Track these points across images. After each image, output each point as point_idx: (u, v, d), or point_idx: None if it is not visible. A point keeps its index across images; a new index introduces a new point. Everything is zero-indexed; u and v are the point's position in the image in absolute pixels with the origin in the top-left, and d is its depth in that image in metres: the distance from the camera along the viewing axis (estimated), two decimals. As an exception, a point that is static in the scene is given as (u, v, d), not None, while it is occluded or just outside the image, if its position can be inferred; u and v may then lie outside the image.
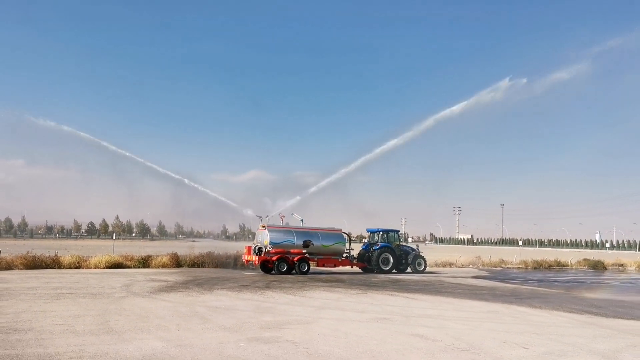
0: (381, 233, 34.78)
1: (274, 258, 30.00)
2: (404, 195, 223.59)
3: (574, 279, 33.05)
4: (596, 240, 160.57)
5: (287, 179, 54.20)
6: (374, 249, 33.70)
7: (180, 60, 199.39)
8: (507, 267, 45.48)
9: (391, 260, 33.45)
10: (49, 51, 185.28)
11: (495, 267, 45.31)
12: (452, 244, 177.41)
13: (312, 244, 31.10)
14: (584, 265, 48.78)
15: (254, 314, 14.44)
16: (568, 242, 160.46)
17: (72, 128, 38.83)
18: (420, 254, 35.12)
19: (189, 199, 42.88)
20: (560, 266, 47.66)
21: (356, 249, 35.41)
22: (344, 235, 33.38)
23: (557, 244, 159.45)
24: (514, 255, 51.82)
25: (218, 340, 10.63)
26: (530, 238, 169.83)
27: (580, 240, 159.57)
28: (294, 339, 10.87)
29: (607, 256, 60.87)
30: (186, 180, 40.95)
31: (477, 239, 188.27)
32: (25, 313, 13.68)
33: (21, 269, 28.92)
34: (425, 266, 34.89)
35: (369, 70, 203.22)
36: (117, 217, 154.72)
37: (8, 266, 29.04)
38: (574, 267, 48.57)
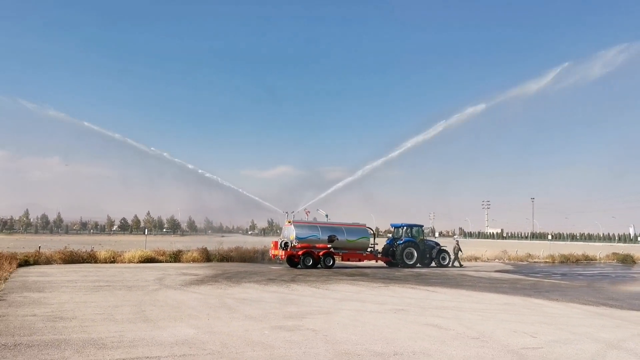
0: (405, 228, 35.40)
1: (300, 253, 30.89)
2: (432, 190, 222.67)
3: (600, 273, 33.21)
4: (629, 234, 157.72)
5: (314, 175, 54.93)
6: (398, 244, 34.34)
7: (203, 57, 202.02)
8: (534, 262, 45.55)
9: (415, 254, 34.05)
10: (67, 46, 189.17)
11: (522, 261, 45.43)
12: (481, 238, 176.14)
13: (337, 239, 31.90)
14: (613, 259, 48.65)
15: (279, 305, 15.29)
16: (601, 236, 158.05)
17: (99, 127, 40.52)
18: (444, 248, 35.62)
19: (219, 196, 44.26)
20: (588, 260, 47.63)
21: (382, 244, 36.14)
22: (369, 230, 34.10)
23: (589, 237, 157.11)
24: (542, 250, 51.82)
25: (244, 328, 11.49)
26: (561, 232, 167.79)
27: (613, 234, 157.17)
28: (314, 328, 11.68)
29: (640, 250, 60.13)
30: (219, 179, 42.30)
31: (507, 233, 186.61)
32: (68, 303, 14.77)
33: (60, 263, 30.35)
34: (449, 260, 35.38)
35: (398, 62, 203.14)
36: (148, 213, 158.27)
37: (48, 261, 30.51)
38: (602, 261, 48.47)
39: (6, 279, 21.02)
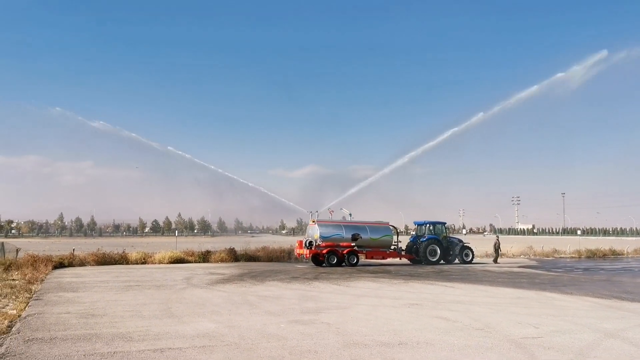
0: (428, 225, 35.82)
1: (324, 251, 31.55)
2: (462, 186, 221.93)
3: (623, 267, 33.16)
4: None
5: (341, 174, 55.71)
6: (421, 241, 34.78)
7: (232, 58, 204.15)
8: (560, 257, 45.46)
9: (438, 251, 34.44)
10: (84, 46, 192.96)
11: (548, 257, 45.39)
12: (511, 234, 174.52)
13: (361, 237, 32.48)
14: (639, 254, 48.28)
15: (298, 302, 15.98)
16: (634, 230, 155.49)
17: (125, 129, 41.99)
18: (467, 244, 35.90)
19: (247, 197, 45.34)
20: (615, 255, 47.36)
21: (406, 241, 36.64)
22: (392, 228, 34.60)
23: (622, 232, 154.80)
24: (568, 245, 51.56)
25: (262, 322, 12.21)
26: (593, 227, 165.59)
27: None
28: (329, 321, 12.34)
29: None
30: (250, 184, 43.35)
31: (538, 229, 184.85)
32: (99, 302, 15.69)
33: (93, 265, 31.49)
34: (473, 257, 35.66)
35: (429, 60, 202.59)
36: (179, 215, 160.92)
37: (82, 263, 31.68)
38: (629, 255, 48.11)
39: (42, 280, 22.16)
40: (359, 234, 32.49)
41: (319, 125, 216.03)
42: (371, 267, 30.91)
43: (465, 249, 35.50)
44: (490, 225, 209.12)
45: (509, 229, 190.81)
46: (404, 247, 35.16)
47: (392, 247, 34.00)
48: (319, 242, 31.79)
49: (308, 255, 31.97)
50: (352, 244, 32.17)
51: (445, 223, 36.94)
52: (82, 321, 12.34)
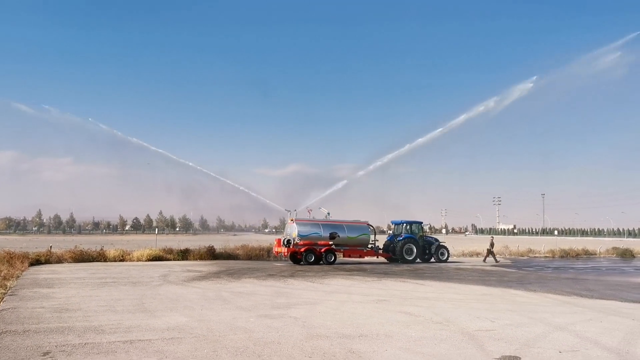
0: (405, 224, 36.46)
1: (302, 249, 32.03)
2: (444, 186, 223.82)
3: (592, 267, 34.08)
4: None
5: (326, 173, 56.11)
6: (398, 240, 35.39)
7: (211, 54, 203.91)
8: (534, 257, 46.36)
9: (414, 250, 35.06)
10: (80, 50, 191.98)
11: (522, 256, 46.32)
12: (492, 234, 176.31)
13: (338, 236, 33.00)
14: (613, 254, 49.31)
15: (270, 298, 16.42)
16: (612, 231, 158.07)
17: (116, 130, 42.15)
18: (443, 244, 36.57)
19: (228, 195, 45.70)
20: (588, 254, 48.34)
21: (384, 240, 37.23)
22: (369, 227, 35.15)
23: (600, 233, 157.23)
24: (543, 245, 52.53)
25: (232, 317, 12.65)
26: (572, 228, 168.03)
27: (624, 229, 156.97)
28: (296, 316, 12.81)
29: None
30: (229, 181, 43.72)
31: (518, 230, 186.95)
32: (74, 297, 16.01)
33: (70, 262, 31.68)
34: (448, 256, 36.35)
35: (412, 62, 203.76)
36: (160, 213, 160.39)
37: (59, 260, 31.85)
38: (602, 255, 49.14)
39: (18, 276, 22.37)
40: (336, 233, 32.99)
41: (304, 123, 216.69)
42: (348, 265, 31.44)
43: (441, 248, 36.17)
44: (473, 225, 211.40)
45: (490, 229, 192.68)
46: (381, 246, 35.72)
47: (370, 245, 34.58)
48: (297, 240, 32.24)
49: (286, 254, 32.44)
50: (330, 243, 32.65)
51: (422, 222, 37.56)
52: (56, 315, 12.69)
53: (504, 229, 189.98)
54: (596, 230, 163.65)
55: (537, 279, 23.69)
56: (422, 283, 21.40)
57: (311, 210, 35.42)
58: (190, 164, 43.85)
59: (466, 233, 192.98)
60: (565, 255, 46.53)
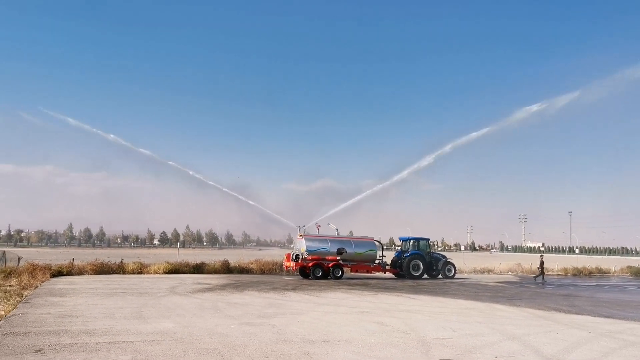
0: (412, 241, 37.32)
1: (310, 264, 33.13)
2: (471, 203, 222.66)
3: (596, 284, 34.47)
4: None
5: (354, 188, 57.10)
6: (405, 256, 36.25)
7: (247, 73, 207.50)
8: (547, 274, 46.53)
9: (421, 266, 35.86)
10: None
11: (534, 274, 46.44)
12: (519, 252, 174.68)
13: (346, 251, 34.02)
14: (627, 272, 49.15)
15: (262, 308, 17.57)
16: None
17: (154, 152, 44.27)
18: (450, 260, 37.28)
19: (251, 213, 47.28)
20: (601, 273, 48.30)
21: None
22: (376, 243, 36.13)
23: (628, 252, 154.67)
24: (557, 263, 52.65)
25: (216, 324, 13.84)
26: (599, 246, 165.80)
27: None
28: (275, 324, 13.93)
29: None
30: (251, 202, 45.28)
31: (546, 248, 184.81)
32: (80, 305, 17.39)
33: (91, 274, 33.24)
34: (455, 272, 37.02)
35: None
36: (187, 227, 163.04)
37: (80, 272, 33.46)
38: (615, 274, 49.01)
39: (37, 286, 23.95)
40: (344, 248, 34.02)
41: (332, 138, 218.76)
42: (353, 281, 32.41)
43: (447, 265, 36.88)
44: (500, 242, 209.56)
45: (516, 246, 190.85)
46: (389, 262, 36.60)
47: (377, 261, 35.48)
48: (305, 255, 33.36)
49: (295, 268, 33.55)
50: (338, 258, 33.68)
51: (429, 239, 38.36)
52: (58, 320, 14.04)
53: (531, 247, 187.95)
54: (626, 249, 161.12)
55: (531, 296, 24.36)
56: (414, 297, 22.31)
57: (320, 225, 36.56)
58: (228, 190, 45.68)
59: (492, 250, 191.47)
60: (578, 273, 46.63)
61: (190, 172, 46.74)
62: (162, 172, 47.48)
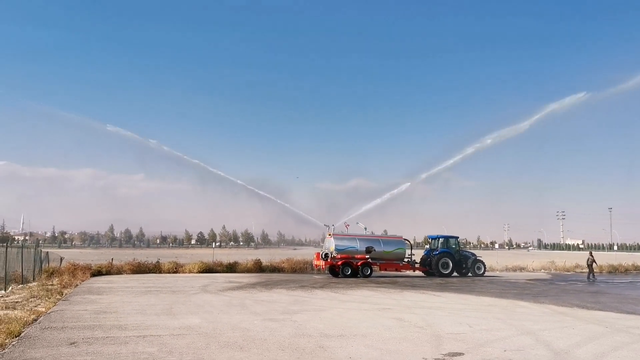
0: (441, 239, 37.49)
1: (339, 263, 33.65)
2: (508, 201, 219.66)
3: (630, 281, 34.11)
4: None
5: (388, 187, 57.41)
6: (434, 254, 36.46)
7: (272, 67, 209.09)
8: (581, 272, 46.01)
9: (450, 264, 36.01)
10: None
11: (568, 271, 46.23)
12: (557, 249, 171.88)
13: (374, 250, 34.43)
14: (665, 269, 48.32)
15: (287, 305, 18.16)
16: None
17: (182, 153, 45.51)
18: (479, 258, 37.32)
19: (282, 213, 48.05)
20: (638, 270, 47.57)
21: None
22: (405, 241, 36.43)
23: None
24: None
25: (241, 320, 14.48)
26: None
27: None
28: (297, 320, 14.51)
29: None
30: (288, 205, 46.04)
31: (586, 245, 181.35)
32: (115, 303, 18.28)
33: (129, 273, 34.47)
34: (485, 270, 37.04)
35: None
36: (223, 227, 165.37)
37: (118, 271, 34.72)
38: (653, 271, 48.22)
39: (77, 285, 25.08)
40: (372, 247, 34.44)
41: (366, 137, 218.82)
42: (382, 279, 32.79)
43: (477, 262, 36.94)
44: (539, 240, 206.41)
45: (553, 244, 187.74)
46: (418, 260, 36.86)
47: (406, 259, 35.79)
48: (334, 254, 33.90)
49: (324, 267, 34.10)
50: (366, 256, 34.11)
51: (458, 237, 38.47)
52: (93, 316, 14.90)
53: (571, 245, 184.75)
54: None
55: (557, 293, 24.37)
56: (439, 295, 22.61)
57: (348, 225, 37.01)
58: (260, 191, 46.56)
59: (529, 248, 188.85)
60: (614, 270, 46.05)
61: (232, 178, 47.79)
62: (206, 178, 48.59)
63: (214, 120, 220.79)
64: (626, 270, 46.35)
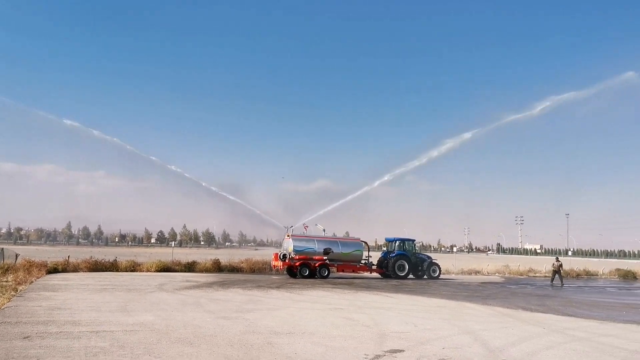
0: (398, 242, 38.29)
1: (297, 264, 34.09)
2: (469, 205, 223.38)
3: (578, 286, 35.49)
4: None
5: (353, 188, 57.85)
6: (391, 256, 37.22)
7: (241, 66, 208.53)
8: (534, 276, 47.57)
9: (407, 266, 36.82)
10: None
11: (521, 275, 47.60)
12: (515, 254, 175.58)
13: (332, 251, 34.98)
14: (615, 275, 50.07)
15: (241, 304, 18.52)
16: (637, 253, 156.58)
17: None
18: (435, 261, 38.26)
19: (242, 213, 48.18)
20: (588, 275, 49.28)
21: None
22: (362, 243, 37.11)
23: (624, 255, 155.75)
24: (545, 265, 53.51)
25: (194, 317, 14.80)
26: (597, 249, 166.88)
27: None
28: (249, 318, 14.91)
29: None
30: (247, 205, 46.15)
31: (544, 250, 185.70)
32: (70, 300, 18.36)
33: (85, 271, 34.18)
34: (440, 273, 37.99)
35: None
36: (184, 227, 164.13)
37: (75, 269, 34.42)
38: (603, 276, 49.97)
39: (32, 282, 24.91)
40: (330, 248, 34.98)
41: (330, 139, 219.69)
42: (339, 280, 33.36)
43: (432, 265, 37.85)
44: (498, 244, 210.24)
45: (512, 248, 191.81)
46: (375, 262, 37.56)
47: (363, 261, 36.45)
48: (292, 255, 34.32)
49: (282, 267, 34.50)
50: (324, 258, 34.64)
51: (414, 240, 39.35)
52: (47, 312, 15.02)
53: (529, 249, 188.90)
54: (624, 252, 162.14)
55: (506, 295, 25.32)
56: (392, 296, 23.26)
57: (307, 226, 37.50)
58: (214, 188, 46.50)
59: (488, 252, 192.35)
60: (566, 275, 47.43)
61: (189, 176, 47.69)
62: (165, 174, 48.31)
63: (175, 117, 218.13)
64: (577, 275, 47.93)
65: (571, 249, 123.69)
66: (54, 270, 32.55)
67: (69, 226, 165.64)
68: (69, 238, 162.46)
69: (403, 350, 10.71)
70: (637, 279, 48.24)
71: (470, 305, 20.33)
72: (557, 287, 33.08)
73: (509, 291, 28.31)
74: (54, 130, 49.70)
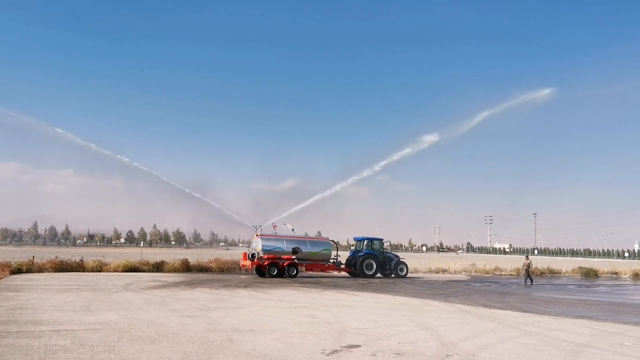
0: (366, 241, 38.74)
1: (266, 263, 34.26)
2: (440, 204, 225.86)
3: (541, 284, 36.35)
4: (634, 250, 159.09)
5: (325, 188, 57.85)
6: (359, 256, 37.64)
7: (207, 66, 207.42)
8: (499, 274, 48.52)
9: (374, 265, 37.29)
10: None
11: (487, 273, 48.53)
12: (484, 253, 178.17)
13: (301, 251, 35.24)
14: (577, 273, 51.33)
15: (206, 303, 18.65)
16: (601, 252, 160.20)
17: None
18: (402, 260, 38.81)
19: (211, 213, 47.98)
20: (552, 273, 50.38)
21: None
22: (331, 243, 37.46)
23: (590, 253, 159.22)
24: (510, 264, 54.67)
25: (158, 316, 14.91)
26: (563, 248, 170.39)
27: (615, 250, 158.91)
28: (212, 316, 15.07)
29: (636, 265, 60.89)
30: (215, 204, 45.95)
31: (513, 249, 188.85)
32: (33, 300, 18.28)
33: (50, 271, 33.86)
34: (407, 271, 38.56)
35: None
36: (154, 226, 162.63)
37: (40, 269, 34.08)
38: (566, 274, 51.19)
39: (-5, 282, 24.67)
40: (299, 248, 35.23)
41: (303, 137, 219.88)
42: (307, 279, 33.62)
43: (400, 264, 38.38)
44: (469, 244, 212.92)
45: (481, 247, 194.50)
46: (344, 261, 37.93)
47: (332, 260, 36.80)
48: (261, 254, 34.49)
49: (251, 267, 34.63)
50: (293, 257, 34.88)
51: (382, 239, 39.84)
52: (9, 312, 14.98)
53: (498, 249, 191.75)
54: (588, 250, 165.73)
55: (469, 293, 25.87)
56: (357, 294, 23.61)
57: (276, 226, 37.68)
58: (178, 185, 46.21)
59: (458, 251, 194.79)
60: (531, 273, 48.52)
61: (156, 174, 47.30)
62: (129, 172, 47.72)
63: (144, 117, 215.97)
64: (541, 274, 48.95)
65: (537, 248, 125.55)
66: (18, 270, 32.20)
67: (35, 226, 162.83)
68: (35, 238, 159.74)
69: (360, 346, 11.01)
70: (598, 276, 49.52)
71: (433, 302, 20.78)
72: (521, 285, 33.83)
73: (473, 289, 28.90)
74: (16, 128, 48.75)
